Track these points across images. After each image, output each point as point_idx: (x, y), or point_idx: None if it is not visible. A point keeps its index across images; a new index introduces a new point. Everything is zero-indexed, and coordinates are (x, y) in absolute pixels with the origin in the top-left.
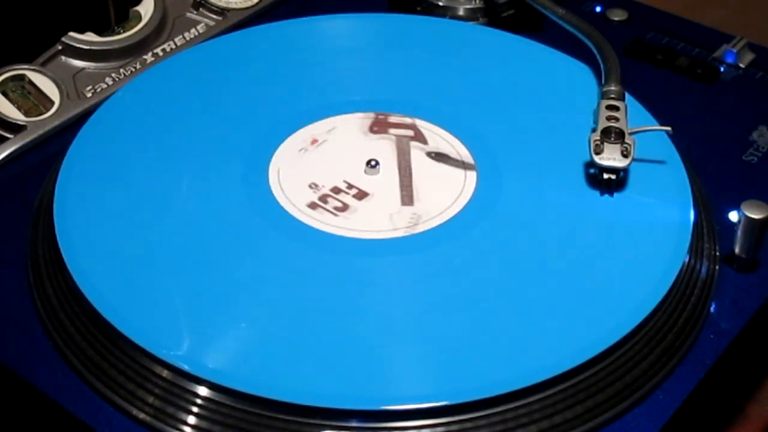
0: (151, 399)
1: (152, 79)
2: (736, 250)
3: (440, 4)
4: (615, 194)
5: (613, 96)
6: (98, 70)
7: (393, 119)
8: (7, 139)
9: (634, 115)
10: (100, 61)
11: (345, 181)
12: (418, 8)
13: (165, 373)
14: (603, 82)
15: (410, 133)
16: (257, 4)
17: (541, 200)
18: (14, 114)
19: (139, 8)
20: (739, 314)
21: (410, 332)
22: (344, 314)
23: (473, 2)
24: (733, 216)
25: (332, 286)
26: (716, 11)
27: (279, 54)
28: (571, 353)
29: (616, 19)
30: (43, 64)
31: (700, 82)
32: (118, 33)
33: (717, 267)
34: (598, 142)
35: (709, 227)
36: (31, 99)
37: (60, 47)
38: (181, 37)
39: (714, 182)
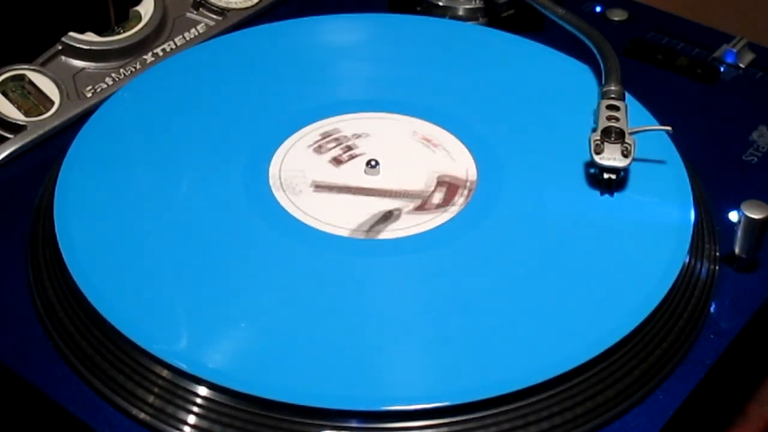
0: (151, 399)
1: (152, 79)
2: (736, 250)
3: (440, 4)
4: (615, 194)
5: (613, 96)
6: (98, 70)
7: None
8: (7, 139)
9: (634, 115)
10: (100, 61)
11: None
12: (418, 8)
13: (165, 372)
14: (603, 82)
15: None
16: (257, 4)
17: (541, 200)
18: (14, 114)
19: (139, 8)
20: (739, 314)
21: (410, 333)
22: (344, 314)
23: (473, 2)
24: (733, 216)
25: (332, 286)
26: (716, 11)
27: (279, 54)
28: (571, 354)
29: (616, 19)
30: (43, 64)
31: (700, 82)
32: (118, 33)
33: (717, 267)
34: (599, 142)
35: (709, 227)
36: (31, 99)
37: (60, 47)
38: (181, 37)
39: (714, 182)
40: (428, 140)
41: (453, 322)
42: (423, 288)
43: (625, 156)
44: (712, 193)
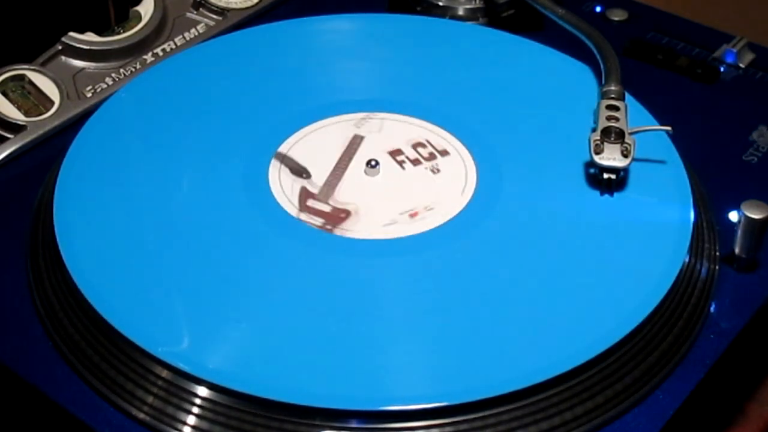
0: (150, 399)
1: (152, 79)
2: (736, 250)
3: (440, 4)
4: (615, 194)
5: (613, 96)
6: (98, 70)
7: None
8: (7, 139)
9: (634, 115)
10: (100, 61)
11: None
12: (418, 8)
13: (165, 373)
14: (603, 82)
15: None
16: (257, 4)
17: (541, 200)
18: (14, 114)
19: (139, 8)
20: (739, 314)
21: (410, 333)
22: (344, 314)
23: (473, 2)
24: (733, 216)
25: (332, 286)
26: (716, 11)
27: (279, 54)
28: (571, 354)
29: (616, 19)
30: (43, 64)
31: (700, 82)
32: (118, 33)
33: (717, 267)
34: (598, 142)
35: (709, 227)
36: (31, 99)
37: (60, 47)
38: (181, 37)
39: (714, 182)
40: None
41: (453, 322)
42: (423, 288)
43: (625, 156)
44: (712, 193)
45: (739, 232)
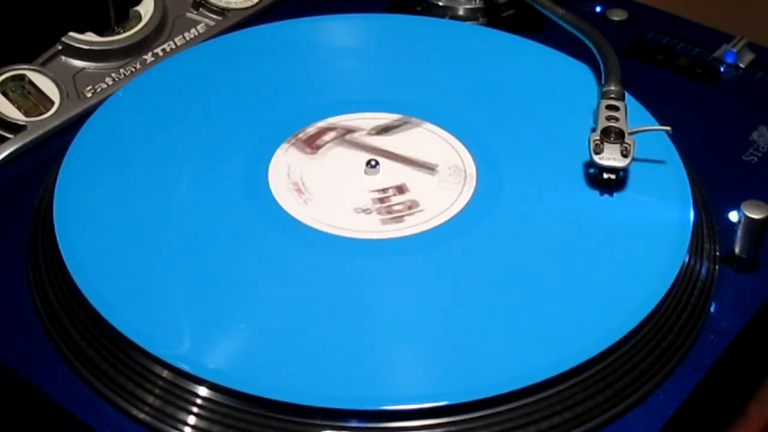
0: (151, 399)
1: (152, 79)
2: (736, 250)
3: (440, 4)
4: (615, 194)
5: (613, 96)
6: (98, 70)
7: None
8: (7, 139)
9: (634, 115)
10: (100, 61)
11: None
12: (418, 8)
13: (165, 373)
14: (603, 82)
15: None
16: (257, 4)
17: (540, 200)
18: (14, 114)
19: (139, 8)
20: (739, 314)
21: (410, 332)
22: (344, 314)
23: (473, 2)
24: (733, 216)
25: (332, 286)
26: (716, 11)
27: (279, 54)
28: (571, 353)
29: (616, 19)
30: (43, 64)
31: (700, 82)
32: (118, 33)
33: (717, 267)
34: (598, 142)
35: (709, 227)
36: (31, 99)
37: (60, 47)
38: (181, 37)
39: (714, 182)
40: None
41: (453, 322)
42: (423, 288)
43: (625, 156)
44: (712, 193)
45: (739, 232)
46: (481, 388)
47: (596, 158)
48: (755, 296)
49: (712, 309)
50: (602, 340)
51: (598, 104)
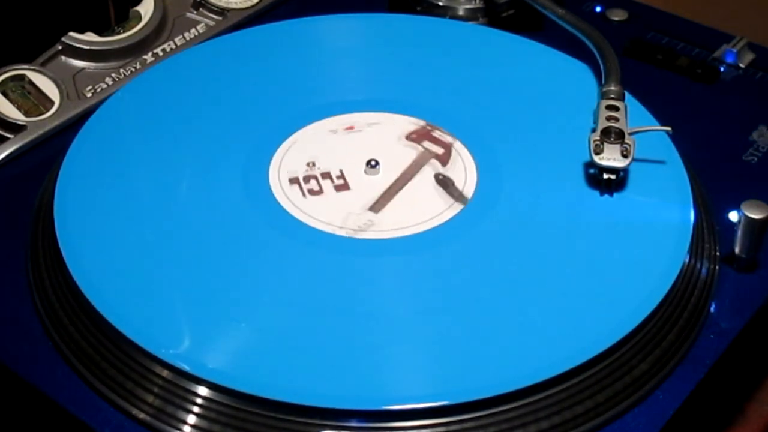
0: (150, 399)
1: (152, 79)
2: (736, 250)
3: (440, 4)
4: (615, 194)
5: (613, 96)
6: (98, 70)
7: (436, 134)
8: (7, 139)
9: (634, 115)
10: (100, 61)
11: (340, 170)
12: (418, 8)
13: (165, 372)
14: (603, 82)
15: (440, 151)
16: (257, 4)
17: (541, 200)
18: (14, 114)
19: (139, 8)
20: (739, 314)
21: (410, 332)
22: (344, 314)
23: (473, 2)
24: (733, 216)
25: (332, 286)
26: (716, 11)
27: (279, 54)
28: (571, 353)
29: (616, 19)
30: (43, 64)
31: (700, 82)
32: (118, 33)
33: (717, 267)
34: (598, 142)
35: (709, 227)
36: (31, 99)
37: (60, 47)
38: (181, 37)
39: (714, 182)
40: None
41: (453, 322)
42: (423, 287)
43: (625, 156)
44: (712, 193)
45: (739, 232)
46: (481, 388)
47: (596, 158)
48: (755, 296)
49: (712, 309)
50: (602, 340)
51: (598, 104)
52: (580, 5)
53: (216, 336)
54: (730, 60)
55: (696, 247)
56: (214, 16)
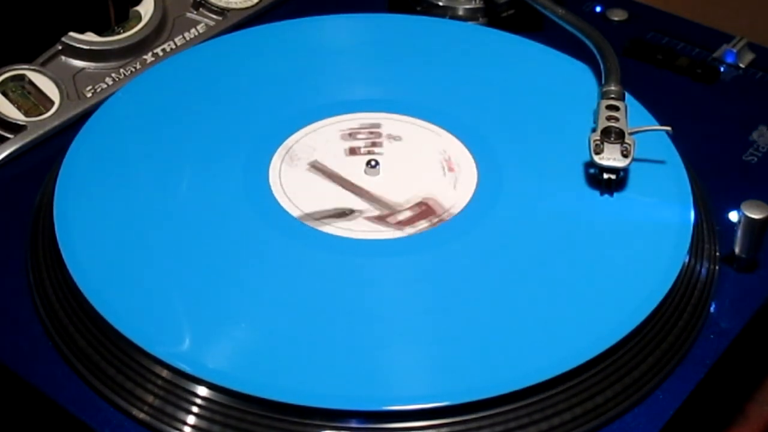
0: (150, 399)
1: (152, 79)
2: (736, 250)
3: (440, 4)
4: (615, 194)
5: (613, 96)
6: (98, 70)
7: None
8: (7, 139)
9: (634, 115)
10: (100, 61)
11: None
12: (418, 8)
13: (165, 373)
14: (603, 82)
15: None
16: (257, 4)
17: (541, 200)
18: (14, 114)
19: (139, 8)
20: (739, 314)
21: (410, 333)
22: (344, 314)
23: (473, 2)
24: (733, 216)
25: (332, 286)
26: (716, 11)
27: (279, 54)
28: (571, 354)
29: (616, 19)
30: (43, 64)
31: (700, 82)
32: (118, 33)
33: (717, 267)
34: (598, 142)
35: (709, 227)
36: (31, 99)
37: (60, 47)
38: (181, 37)
39: (714, 182)
40: (449, 164)
41: (453, 322)
42: (423, 288)
43: (625, 156)
44: (712, 193)
45: (739, 232)
46: (481, 389)
47: (596, 158)
48: (755, 296)
49: (712, 309)
50: (602, 340)
51: (598, 104)
52: (580, 5)
53: (216, 336)
54: (730, 60)
55: (696, 247)
56: (214, 16)
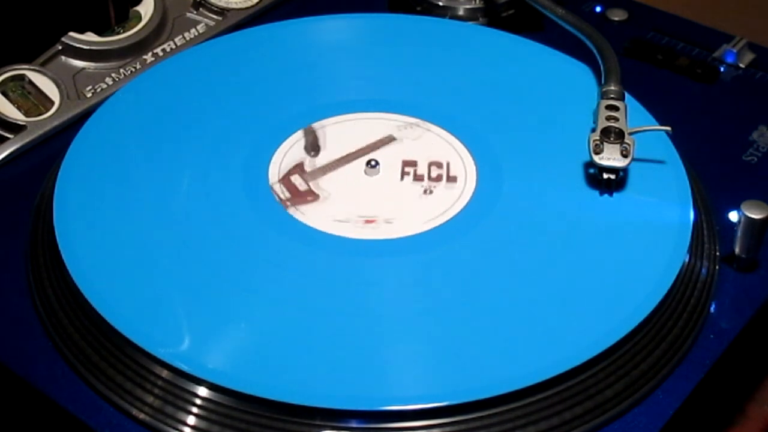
0: (150, 399)
1: (152, 79)
2: (736, 250)
3: (440, 4)
4: (615, 194)
5: (612, 96)
6: (98, 70)
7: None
8: (7, 139)
9: (634, 115)
10: (100, 61)
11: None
12: (418, 8)
13: (164, 373)
14: (603, 82)
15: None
16: (257, 4)
17: (540, 200)
18: (14, 114)
19: (139, 8)
20: (739, 314)
21: (410, 332)
22: (344, 314)
23: (473, 2)
24: (733, 216)
25: (332, 286)
26: (716, 11)
27: (279, 54)
28: (571, 354)
29: (616, 19)
30: (43, 64)
31: (700, 82)
32: (118, 33)
33: (717, 267)
34: (598, 142)
35: (709, 227)
36: (31, 99)
37: (60, 47)
38: (181, 37)
39: (714, 182)
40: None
41: (453, 322)
42: (423, 288)
43: (625, 156)
44: (712, 193)
45: (739, 232)
46: (482, 389)
47: (596, 158)
48: (755, 296)
49: (712, 309)
50: (602, 340)
51: (598, 104)
52: (580, 5)
53: (216, 336)
54: (730, 60)
55: (696, 247)
56: (214, 16)
